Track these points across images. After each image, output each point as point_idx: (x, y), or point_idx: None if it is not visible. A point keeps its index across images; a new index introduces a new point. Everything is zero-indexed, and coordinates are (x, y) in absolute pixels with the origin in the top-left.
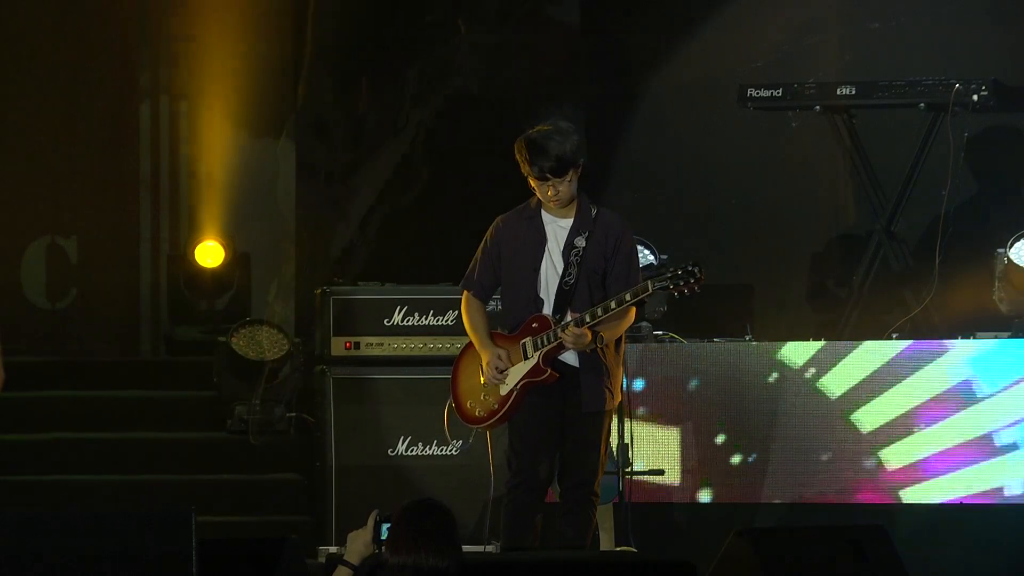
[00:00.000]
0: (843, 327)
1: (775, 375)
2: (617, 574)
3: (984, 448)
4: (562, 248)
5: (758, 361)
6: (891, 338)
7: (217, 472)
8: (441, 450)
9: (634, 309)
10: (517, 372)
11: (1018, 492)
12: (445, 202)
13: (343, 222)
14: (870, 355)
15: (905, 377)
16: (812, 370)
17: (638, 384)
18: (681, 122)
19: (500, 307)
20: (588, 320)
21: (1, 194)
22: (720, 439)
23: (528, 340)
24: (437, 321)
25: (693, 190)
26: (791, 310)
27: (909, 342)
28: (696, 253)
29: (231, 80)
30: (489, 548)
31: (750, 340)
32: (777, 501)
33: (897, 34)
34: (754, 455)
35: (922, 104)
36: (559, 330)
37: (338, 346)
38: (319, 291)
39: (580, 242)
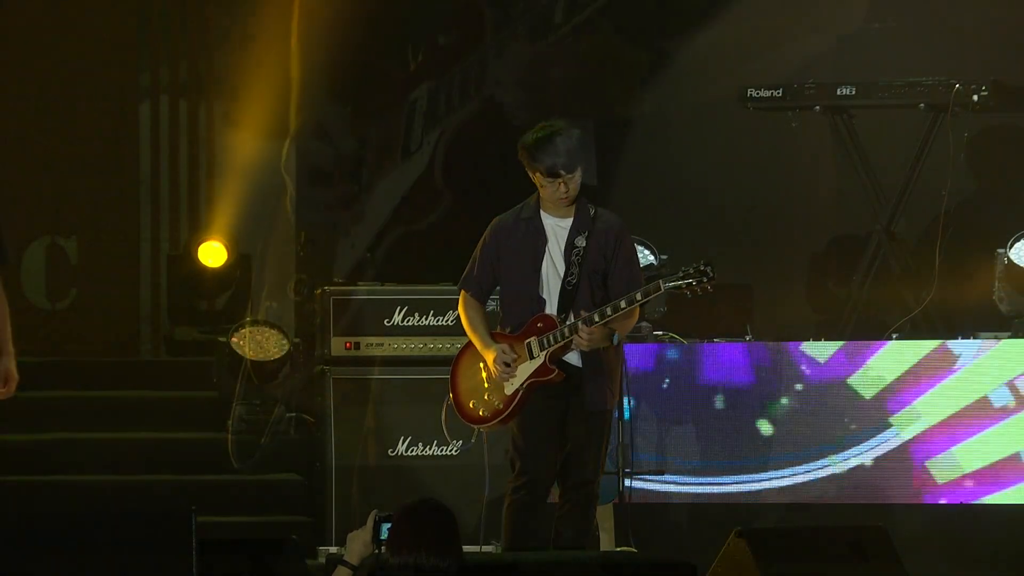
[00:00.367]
0: (843, 327)
1: (774, 375)
2: (617, 574)
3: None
4: (563, 248)
5: (757, 361)
6: (891, 338)
7: (217, 472)
8: (441, 450)
9: (638, 308)
10: (523, 372)
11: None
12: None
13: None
14: (894, 353)
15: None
16: (813, 370)
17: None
18: (681, 123)
19: (499, 307)
20: (597, 319)
21: (1, 194)
22: (720, 439)
23: (533, 340)
24: (437, 321)
25: (693, 190)
26: (791, 310)
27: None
28: (697, 254)
29: (231, 80)
30: (488, 548)
31: (750, 340)
32: (777, 501)
33: (897, 34)
34: (754, 455)
35: (922, 104)
36: (566, 329)
37: (338, 346)
38: (319, 291)
39: (580, 242)
